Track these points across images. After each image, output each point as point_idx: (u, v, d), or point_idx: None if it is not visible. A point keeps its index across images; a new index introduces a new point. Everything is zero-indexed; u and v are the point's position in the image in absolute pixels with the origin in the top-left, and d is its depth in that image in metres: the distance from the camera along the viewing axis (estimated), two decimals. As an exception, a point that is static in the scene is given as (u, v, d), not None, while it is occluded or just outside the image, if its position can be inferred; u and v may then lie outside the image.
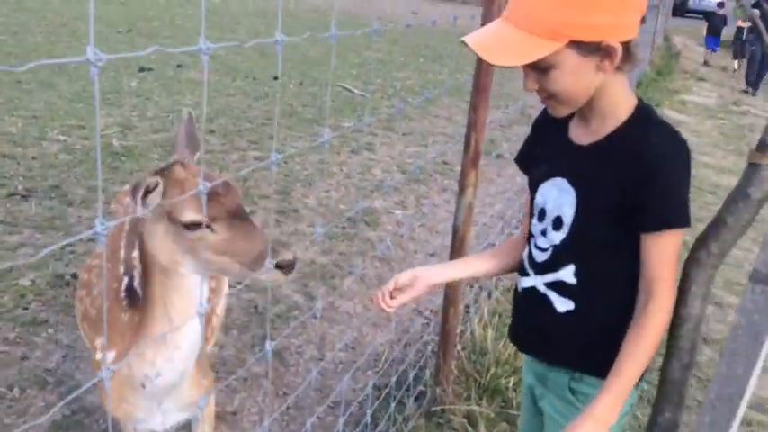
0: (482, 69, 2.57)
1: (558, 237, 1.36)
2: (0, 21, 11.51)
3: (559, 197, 1.35)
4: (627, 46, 1.19)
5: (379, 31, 1.79)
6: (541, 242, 1.40)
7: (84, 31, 11.12)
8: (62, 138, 5.67)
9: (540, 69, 1.20)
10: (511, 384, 2.66)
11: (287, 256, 1.36)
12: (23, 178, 4.66)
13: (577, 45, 1.16)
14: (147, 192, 1.30)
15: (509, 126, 7.34)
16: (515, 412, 2.53)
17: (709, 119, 10.21)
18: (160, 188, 1.33)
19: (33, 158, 5.09)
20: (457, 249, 2.68)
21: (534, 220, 1.42)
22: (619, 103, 1.28)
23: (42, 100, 6.74)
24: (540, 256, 1.41)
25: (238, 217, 1.39)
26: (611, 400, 1.25)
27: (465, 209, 2.66)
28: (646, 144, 1.23)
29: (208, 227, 1.37)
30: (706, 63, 16.24)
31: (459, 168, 6.01)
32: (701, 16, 28.73)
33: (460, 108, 8.40)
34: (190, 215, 1.35)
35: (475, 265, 1.59)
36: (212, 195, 1.34)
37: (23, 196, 4.35)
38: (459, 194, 2.66)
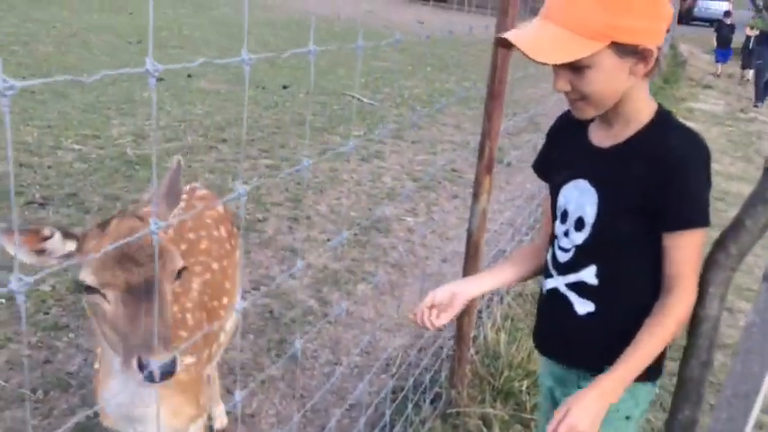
0: (496, 77, 2.62)
1: (579, 237, 1.40)
2: (10, 31, 11.66)
3: (580, 198, 1.38)
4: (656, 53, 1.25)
5: (401, 40, 1.84)
6: (564, 243, 1.44)
7: (95, 42, 11.26)
8: (77, 147, 5.75)
9: (575, 69, 1.24)
10: (524, 387, 2.69)
11: (155, 356, 1.16)
12: (40, 186, 4.74)
13: (616, 47, 1.21)
14: (43, 238, 1.23)
15: (517, 134, 7.38)
16: (529, 415, 2.57)
17: (717, 126, 10.24)
18: (56, 238, 1.24)
19: (49, 167, 5.17)
20: (471, 255, 2.73)
21: (557, 222, 1.46)
22: (642, 109, 1.32)
23: (56, 110, 6.83)
24: (563, 257, 1.45)
25: (138, 293, 1.22)
26: (619, 377, 1.29)
27: (479, 215, 2.70)
28: (666, 147, 1.28)
29: (101, 293, 1.23)
30: (717, 75, 16.09)
31: (468, 176, 6.05)
32: (707, 24, 28.82)
33: (468, 116, 8.46)
34: (82, 274, 1.23)
35: (501, 276, 1.59)
36: (123, 259, 1.22)
37: (41, 204, 4.43)
38: (474, 201, 2.70)
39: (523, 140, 6.96)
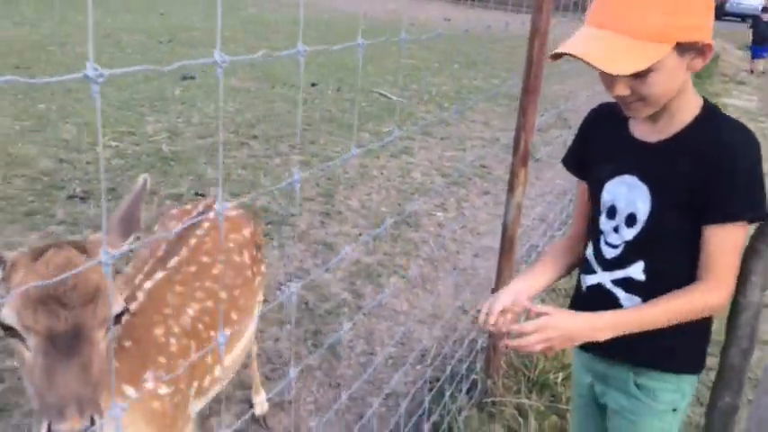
0: (531, 72, 2.65)
1: (630, 233, 1.39)
2: (47, 33, 11.94)
3: (629, 194, 1.38)
4: None
5: (442, 34, 1.88)
6: (613, 239, 1.43)
7: (128, 41, 11.48)
8: (114, 143, 5.90)
9: (637, 73, 1.21)
10: (560, 379, 2.72)
11: (61, 427, 1.01)
12: (80, 181, 4.88)
13: (679, 46, 1.20)
14: None
15: (546, 130, 7.37)
16: (565, 406, 2.59)
17: (750, 122, 10.07)
18: None
19: (88, 163, 5.31)
20: (507, 249, 2.76)
21: (603, 218, 1.45)
22: (688, 103, 1.33)
23: (93, 108, 6.99)
24: (611, 253, 1.44)
25: (61, 343, 1.06)
26: (614, 322, 1.31)
27: (514, 208, 2.73)
28: (715, 141, 1.28)
29: (19, 337, 1.08)
30: (751, 71, 15.74)
31: (497, 172, 6.06)
32: (739, 19, 28.29)
33: (496, 113, 8.46)
34: (3, 312, 1.07)
35: (546, 274, 1.56)
36: (49, 299, 1.06)
37: (82, 198, 4.56)
38: (509, 194, 2.73)
39: (553, 136, 6.95)
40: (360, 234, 4.43)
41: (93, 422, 1.05)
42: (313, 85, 9.18)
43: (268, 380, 2.82)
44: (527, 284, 1.50)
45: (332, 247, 4.20)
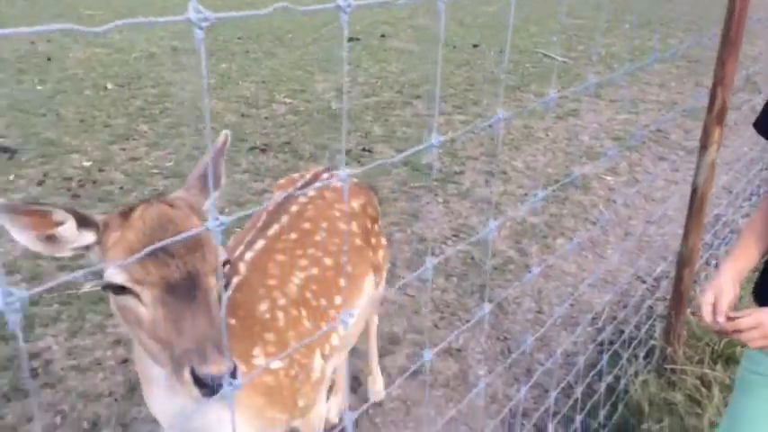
0: (733, 21, 2.44)
1: None
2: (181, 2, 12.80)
3: None
4: None
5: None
6: None
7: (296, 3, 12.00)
8: (288, 100, 6.25)
9: None
10: (749, 355, 2.52)
11: (207, 369, 0.97)
12: (260, 135, 5.25)
13: None
14: (54, 224, 1.05)
15: (733, 93, 6.71)
16: (753, 383, 2.40)
17: None
18: (69, 226, 1.06)
19: (266, 118, 5.69)
20: (696, 211, 2.58)
21: None
22: None
23: (268, 67, 7.46)
24: None
25: (179, 290, 1.03)
26: None
27: (707, 167, 2.54)
28: None
29: (133, 293, 1.04)
30: None
31: (674, 136, 5.64)
32: None
33: (674, 75, 7.83)
34: (109, 272, 1.03)
35: (753, 254, 1.44)
36: (154, 251, 0.96)
37: (262, 150, 4.91)
38: (701, 152, 2.54)
39: (740, 100, 6.31)
40: (525, 194, 4.36)
41: (235, 367, 1.01)
42: (475, 46, 9.05)
43: (437, 328, 2.90)
44: (736, 271, 1.40)
45: (496, 206, 4.17)
